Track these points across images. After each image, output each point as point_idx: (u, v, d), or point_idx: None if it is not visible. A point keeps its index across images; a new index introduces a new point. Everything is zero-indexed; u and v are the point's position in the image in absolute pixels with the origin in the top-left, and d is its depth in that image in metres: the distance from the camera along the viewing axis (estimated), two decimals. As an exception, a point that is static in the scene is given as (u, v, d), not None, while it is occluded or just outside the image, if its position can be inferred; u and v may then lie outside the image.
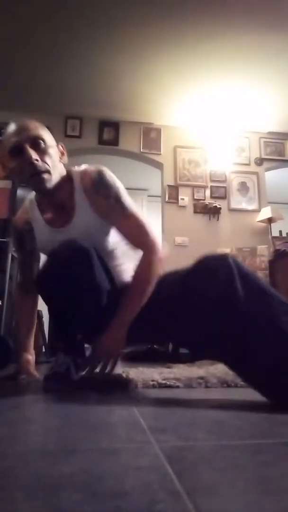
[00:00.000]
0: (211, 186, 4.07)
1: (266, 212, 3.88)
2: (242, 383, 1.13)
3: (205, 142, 4.14)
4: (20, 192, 3.68)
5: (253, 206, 4.09)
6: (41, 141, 1.07)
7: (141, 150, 4.05)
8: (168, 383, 1.20)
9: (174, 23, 2.81)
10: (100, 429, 0.67)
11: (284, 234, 4.39)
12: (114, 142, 4.02)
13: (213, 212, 3.95)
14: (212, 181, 4.08)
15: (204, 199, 4.00)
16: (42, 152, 1.06)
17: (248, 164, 4.21)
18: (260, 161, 4.24)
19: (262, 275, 3.35)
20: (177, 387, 1.18)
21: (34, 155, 1.04)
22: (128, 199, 1.14)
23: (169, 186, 3.99)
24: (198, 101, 3.77)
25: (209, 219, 3.96)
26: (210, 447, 0.57)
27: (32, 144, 1.05)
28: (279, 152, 4.30)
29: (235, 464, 0.50)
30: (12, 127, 1.08)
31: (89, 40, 2.98)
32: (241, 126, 4.19)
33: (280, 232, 4.33)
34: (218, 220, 3.97)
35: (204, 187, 4.05)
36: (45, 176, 1.06)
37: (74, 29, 2.88)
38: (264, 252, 3.48)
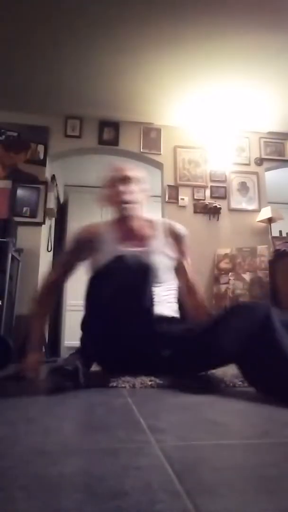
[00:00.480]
0: (211, 186, 4.06)
1: (266, 212, 3.88)
2: (240, 383, 1.13)
3: (205, 142, 4.13)
4: (20, 192, 3.68)
5: (253, 206, 4.09)
6: (131, 180, 1.39)
7: (141, 150, 4.05)
8: (167, 383, 1.19)
9: (174, 23, 2.81)
10: (100, 429, 0.67)
11: (284, 234, 4.38)
12: (114, 142, 4.02)
13: (213, 212, 3.95)
14: (212, 181, 4.08)
15: (204, 199, 4.00)
16: (129, 188, 1.39)
17: (248, 164, 4.21)
18: (260, 161, 4.24)
19: (262, 275, 3.35)
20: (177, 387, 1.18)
21: (122, 188, 1.37)
22: None
23: (169, 186, 3.99)
24: (198, 101, 3.77)
25: (209, 219, 3.96)
26: (210, 447, 0.57)
27: (123, 181, 1.39)
28: (279, 152, 4.30)
29: (235, 464, 0.50)
30: (112, 167, 1.48)
31: (89, 40, 2.98)
32: (241, 126, 4.18)
33: (280, 232, 4.33)
34: (218, 220, 3.97)
35: (204, 187, 4.05)
36: (128, 205, 1.38)
37: (74, 29, 2.88)
38: (264, 252, 3.48)
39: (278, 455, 0.54)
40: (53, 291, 1.50)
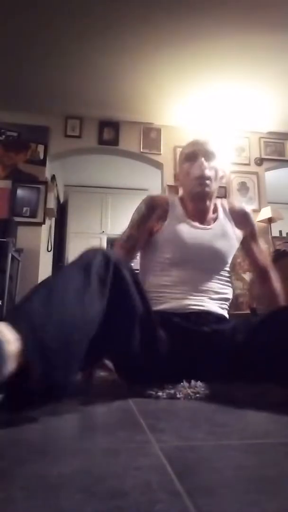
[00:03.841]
0: (211, 186, 4.06)
1: (266, 212, 3.88)
2: (239, 383, 1.12)
3: (205, 142, 4.13)
4: (20, 192, 3.68)
5: (253, 206, 4.08)
6: (213, 156, 1.28)
7: (141, 150, 4.05)
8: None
9: (174, 23, 2.81)
10: (100, 429, 0.67)
11: (284, 234, 4.39)
12: (114, 142, 4.02)
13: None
14: (212, 181, 4.08)
15: (204, 199, 4.00)
16: (211, 164, 1.28)
17: (248, 164, 4.21)
18: (260, 161, 4.23)
19: (262, 275, 3.35)
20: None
21: (205, 163, 1.26)
22: None
23: (169, 186, 3.99)
24: (198, 101, 3.77)
25: (209, 219, 3.96)
26: (210, 447, 0.57)
27: (205, 156, 1.27)
28: (279, 152, 4.30)
29: (235, 464, 0.50)
30: (194, 140, 1.36)
31: (89, 40, 2.98)
32: (241, 126, 4.18)
33: (280, 232, 4.33)
34: (218, 220, 3.97)
35: (204, 187, 4.05)
36: (208, 182, 1.26)
37: (75, 29, 2.88)
38: (264, 252, 3.48)
39: (278, 455, 0.54)
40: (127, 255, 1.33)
